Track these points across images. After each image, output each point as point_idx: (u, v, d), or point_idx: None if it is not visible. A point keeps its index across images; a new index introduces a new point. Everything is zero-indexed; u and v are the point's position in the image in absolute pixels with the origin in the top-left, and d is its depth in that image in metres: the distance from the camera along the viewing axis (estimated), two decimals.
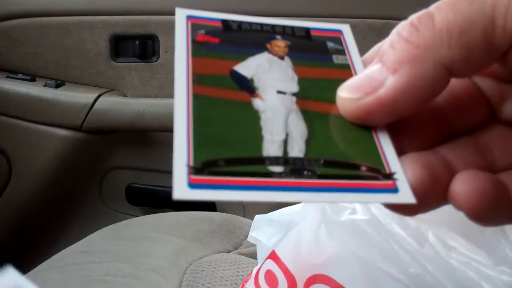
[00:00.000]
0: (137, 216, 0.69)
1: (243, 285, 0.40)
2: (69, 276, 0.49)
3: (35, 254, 0.96)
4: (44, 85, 0.92)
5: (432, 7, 0.17)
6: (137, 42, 0.93)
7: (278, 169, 0.17)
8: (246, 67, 0.19)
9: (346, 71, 0.20)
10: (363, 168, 0.17)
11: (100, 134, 0.95)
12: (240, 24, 0.21)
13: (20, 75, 0.93)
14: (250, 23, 0.21)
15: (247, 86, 0.19)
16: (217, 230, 0.60)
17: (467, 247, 0.30)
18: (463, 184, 0.16)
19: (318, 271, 0.32)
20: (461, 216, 0.19)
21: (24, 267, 0.58)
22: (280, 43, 0.21)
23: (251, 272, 0.40)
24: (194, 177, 0.16)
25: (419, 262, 0.30)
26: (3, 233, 0.98)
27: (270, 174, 0.16)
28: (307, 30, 0.21)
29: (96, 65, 0.95)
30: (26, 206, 0.98)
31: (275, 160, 0.17)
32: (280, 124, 0.18)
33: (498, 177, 0.18)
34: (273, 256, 0.36)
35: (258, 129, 0.18)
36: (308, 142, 0.18)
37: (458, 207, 0.17)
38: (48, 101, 0.91)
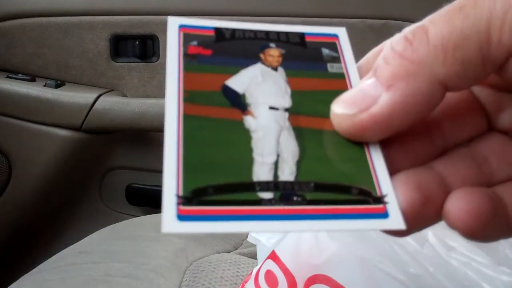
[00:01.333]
0: (137, 216, 0.69)
1: (243, 285, 0.40)
2: (69, 276, 0.49)
3: (35, 254, 0.96)
4: (44, 85, 0.92)
5: (427, 20, 0.17)
6: (137, 42, 0.93)
7: (267, 195, 0.16)
8: (238, 81, 0.19)
9: (341, 81, 0.20)
10: (354, 191, 0.17)
11: (100, 134, 0.95)
12: (233, 32, 0.20)
13: (20, 75, 0.93)
14: (243, 31, 0.20)
15: (238, 102, 0.18)
16: None
17: (467, 247, 0.30)
18: (457, 203, 0.16)
19: (318, 271, 0.32)
20: None
21: (24, 267, 0.58)
22: (273, 52, 0.20)
23: (251, 272, 0.40)
24: (183, 208, 0.15)
25: (419, 263, 0.30)
26: (3, 233, 0.98)
27: (259, 202, 0.16)
28: (302, 36, 0.21)
29: (96, 65, 0.95)
30: (26, 206, 0.98)
31: (265, 185, 0.16)
32: (271, 144, 0.18)
33: (495, 191, 0.17)
34: (273, 256, 0.36)
35: (249, 151, 0.17)
36: (300, 163, 0.17)
37: (452, 226, 0.16)
38: (48, 101, 0.91)
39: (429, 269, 0.30)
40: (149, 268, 0.49)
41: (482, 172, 0.19)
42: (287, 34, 0.21)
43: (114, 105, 0.91)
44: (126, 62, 0.95)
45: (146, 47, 0.94)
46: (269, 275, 0.36)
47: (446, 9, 0.16)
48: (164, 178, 0.16)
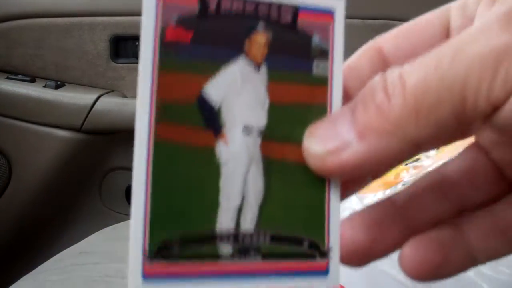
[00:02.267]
0: None
1: None
2: (69, 277, 0.49)
3: (35, 255, 0.96)
4: (44, 86, 0.92)
5: (407, 69, 0.16)
6: (137, 43, 0.93)
7: (227, 250, 0.17)
8: (216, 88, 0.18)
9: (323, 89, 0.19)
10: (305, 243, 0.18)
11: (100, 135, 0.95)
12: (219, 3, 0.18)
13: (20, 76, 0.93)
14: (231, 1, 0.18)
15: (213, 121, 0.17)
16: None
17: None
18: (407, 253, 0.18)
19: None
20: None
21: (24, 268, 0.58)
22: (260, 39, 0.18)
23: None
24: (149, 265, 0.16)
25: None
26: (4, 233, 0.98)
27: (219, 257, 0.17)
28: (295, 13, 0.19)
29: (96, 66, 0.95)
30: (26, 207, 0.98)
31: (226, 238, 0.17)
32: (238, 183, 0.18)
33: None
34: None
35: (217, 192, 0.17)
36: (262, 208, 0.18)
37: (403, 271, 0.18)
38: (48, 102, 0.91)
39: None
40: None
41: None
42: (279, 8, 0.19)
43: (114, 106, 0.91)
44: (126, 63, 0.95)
45: None
46: None
47: (428, 57, 0.16)
48: (131, 229, 0.16)
